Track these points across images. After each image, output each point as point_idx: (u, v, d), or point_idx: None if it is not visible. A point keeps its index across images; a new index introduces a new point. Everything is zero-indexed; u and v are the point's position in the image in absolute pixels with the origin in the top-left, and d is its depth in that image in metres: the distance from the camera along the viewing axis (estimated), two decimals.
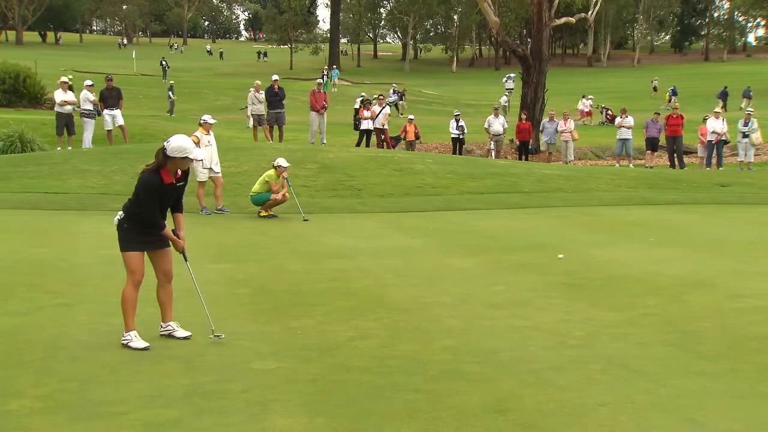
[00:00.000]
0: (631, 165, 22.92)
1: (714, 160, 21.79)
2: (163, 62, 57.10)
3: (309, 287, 7.49)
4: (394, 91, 41.25)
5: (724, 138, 21.75)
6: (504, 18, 62.51)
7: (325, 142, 21.61)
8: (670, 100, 46.02)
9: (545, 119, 24.59)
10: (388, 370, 5.14)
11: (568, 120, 23.54)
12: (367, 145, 22.31)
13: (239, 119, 29.47)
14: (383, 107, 22.70)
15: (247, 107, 21.53)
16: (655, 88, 52.33)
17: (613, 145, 24.61)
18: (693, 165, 23.47)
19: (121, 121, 19.51)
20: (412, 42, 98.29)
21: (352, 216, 12.83)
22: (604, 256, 9.38)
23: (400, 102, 38.38)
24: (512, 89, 46.64)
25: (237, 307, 6.75)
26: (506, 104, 44.70)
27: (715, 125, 21.49)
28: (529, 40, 31.79)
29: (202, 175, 12.28)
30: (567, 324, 6.24)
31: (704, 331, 6.04)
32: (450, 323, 6.29)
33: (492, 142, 24.55)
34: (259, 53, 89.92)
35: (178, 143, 5.42)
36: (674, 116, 22.26)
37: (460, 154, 24.41)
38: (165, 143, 5.43)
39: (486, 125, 24.49)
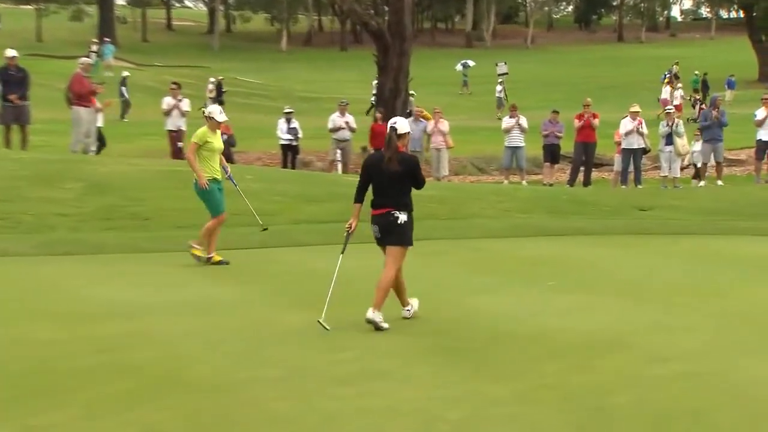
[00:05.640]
0: (524, 182, 23.86)
1: (631, 176, 22.74)
2: None
3: (66, 365, 7.22)
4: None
5: (643, 146, 22.77)
6: None
7: (94, 149, 21.05)
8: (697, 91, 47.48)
9: (410, 119, 25.10)
10: None
11: (440, 121, 23.96)
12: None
13: None
14: (179, 99, 22.43)
15: None
16: (676, 75, 51.22)
17: (499, 154, 25.39)
18: (604, 181, 24.74)
19: None
20: (223, 8, 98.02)
21: (135, 257, 12.63)
22: (490, 306, 9.70)
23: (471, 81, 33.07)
24: (506, 73, 46.74)
25: None
26: (501, 95, 44.62)
27: (629, 128, 22.35)
28: (386, 9, 32.50)
29: None
30: (438, 402, 6.37)
31: (618, 407, 6.33)
32: (275, 407, 6.27)
33: (337, 151, 24.82)
34: None
35: (401, 120, 8.87)
36: (586, 114, 22.93)
37: (293, 167, 24.54)
38: (392, 125, 8.53)
39: (330, 125, 24.72)
